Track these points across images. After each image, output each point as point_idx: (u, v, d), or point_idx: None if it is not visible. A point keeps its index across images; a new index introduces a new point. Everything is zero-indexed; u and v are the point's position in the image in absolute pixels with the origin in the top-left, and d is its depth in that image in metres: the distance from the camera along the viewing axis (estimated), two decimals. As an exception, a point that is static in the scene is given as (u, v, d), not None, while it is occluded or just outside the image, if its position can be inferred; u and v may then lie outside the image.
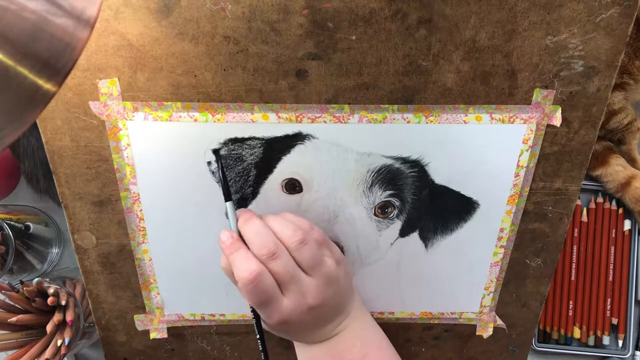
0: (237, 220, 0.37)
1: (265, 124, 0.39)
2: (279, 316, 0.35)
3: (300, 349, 0.41)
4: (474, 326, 0.50)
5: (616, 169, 0.53)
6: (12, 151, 0.52)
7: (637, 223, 0.55)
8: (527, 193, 0.42)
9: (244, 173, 0.41)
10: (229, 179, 0.41)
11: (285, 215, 0.37)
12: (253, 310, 0.37)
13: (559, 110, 0.39)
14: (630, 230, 0.55)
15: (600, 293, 0.56)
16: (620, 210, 0.55)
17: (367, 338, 0.41)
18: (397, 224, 0.44)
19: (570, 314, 0.57)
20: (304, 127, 0.39)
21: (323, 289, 0.36)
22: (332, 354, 0.39)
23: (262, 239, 0.34)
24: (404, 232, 0.44)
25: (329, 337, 0.39)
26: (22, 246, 0.53)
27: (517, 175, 0.42)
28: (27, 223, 0.53)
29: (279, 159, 0.40)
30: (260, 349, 0.38)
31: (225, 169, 0.40)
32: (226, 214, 0.38)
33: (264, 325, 0.38)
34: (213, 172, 0.41)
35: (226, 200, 0.38)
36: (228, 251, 0.35)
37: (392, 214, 0.43)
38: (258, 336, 0.38)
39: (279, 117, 0.39)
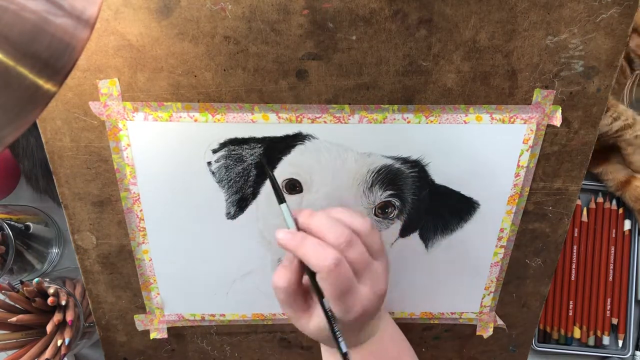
0: (294, 220, 0.35)
1: (266, 124, 0.39)
2: (360, 305, 0.33)
3: (336, 357, 0.38)
4: (474, 326, 0.50)
5: (616, 167, 0.53)
6: (12, 151, 0.52)
7: (637, 222, 0.55)
8: (527, 193, 0.42)
9: (244, 173, 0.41)
10: (229, 179, 0.41)
11: (339, 208, 0.36)
12: (328, 313, 0.34)
13: (559, 110, 0.39)
14: (630, 230, 0.55)
15: (600, 293, 0.56)
16: (621, 210, 0.55)
17: (397, 340, 0.40)
18: (397, 224, 0.44)
19: (570, 314, 0.57)
20: (304, 128, 0.39)
21: (387, 273, 0.36)
22: (373, 353, 0.38)
23: (337, 229, 0.33)
24: (404, 233, 0.44)
25: (369, 336, 0.38)
26: (22, 246, 0.53)
27: (517, 175, 0.42)
28: (27, 223, 0.53)
29: (279, 159, 0.40)
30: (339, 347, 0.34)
31: (273, 173, 0.38)
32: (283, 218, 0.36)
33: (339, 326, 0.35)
34: (213, 172, 0.41)
35: (280, 203, 0.35)
36: (294, 244, 0.33)
37: (392, 214, 0.43)
38: (338, 335, 0.34)
39: (279, 117, 0.39)
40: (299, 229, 0.34)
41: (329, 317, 0.34)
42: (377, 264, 0.35)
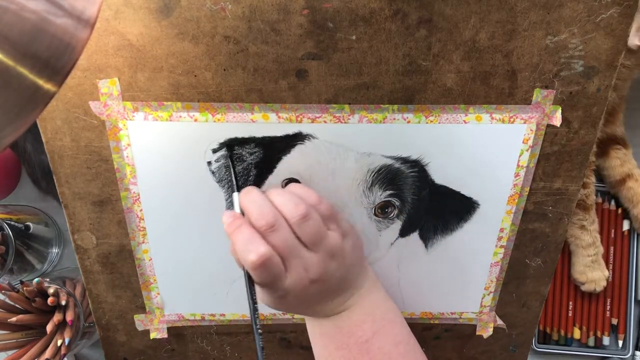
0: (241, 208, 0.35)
1: (266, 124, 0.39)
2: (280, 292, 0.34)
3: (311, 323, 0.41)
4: (474, 326, 0.50)
5: (613, 164, 0.53)
6: (9, 147, 0.52)
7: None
8: (527, 193, 0.42)
9: (244, 173, 0.41)
10: (229, 179, 0.41)
11: (291, 187, 0.36)
12: (254, 302, 0.35)
13: (559, 110, 0.39)
14: (629, 231, 0.55)
15: (600, 293, 0.56)
16: (619, 211, 0.55)
17: (379, 314, 0.39)
18: (397, 224, 0.44)
19: (570, 314, 0.57)
20: (304, 127, 0.39)
21: (326, 263, 0.34)
22: (342, 328, 0.38)
23: (261, 210, 0.33)
24: (404, 232, 0.44)
25: (338, 311, 0.38)
26: (22, 246, 0.53)
27: (517, 175, 0.42)
28: (27, 223, 0.54)
29: (279, 159, 0.40)
30: (260, 345, 0.35)
31: (234, 162, 0.39)
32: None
33: (259, 300, 0.36)
34: (213, 172, 0.41)
35: (232, 192, 0.36)
36: (229, 229, 0.33)
37: (392, 214, 0.43)
38: (257, 328, 0.35)
39: (279, 117, 0.39)
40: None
41: (248, 294, 0.35)
42: (310, 254, 0.34)
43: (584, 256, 0.53)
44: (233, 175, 0.38)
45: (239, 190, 0.36)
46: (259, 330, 0.35)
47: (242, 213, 0.35)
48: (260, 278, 0.33)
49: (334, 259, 0.35)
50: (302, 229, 0.33)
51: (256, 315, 0.35)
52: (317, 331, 0.40)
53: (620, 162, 0.53)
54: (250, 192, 0.35)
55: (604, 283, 0.54)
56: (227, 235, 0.34)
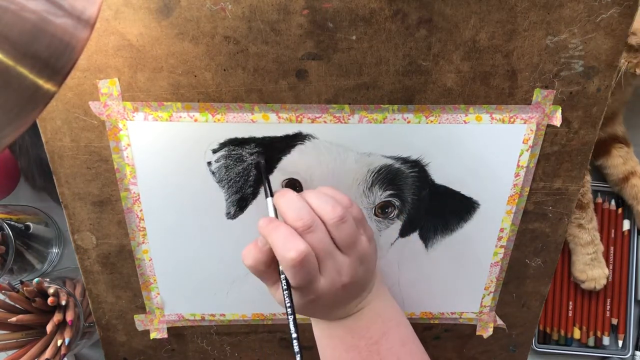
0: (275, 211, 0.35)
1: (266, 124, 0.39)
2: (313, 295, 0.33)
3: (319, 326, 0.40)
4: (474, 326, 0.50)
5: (616, 162, 0.53)
6: (9, 148, 0.52)
7: (635, 220, 0.55)
8: (527, 193, 0.42)
9: (244, 173, 0.41)
10: (229, 179, 0.41)
11: (323, 189, 0.35)
12: (290, 306, 0.33)
13: (559, 110, 0.39)
14: (629, 231, 0.55)
15: (600, 293, 0.56)
16: (620, 210, 0.55)
17: (387, 316, 0.39)
18: (397, 224, 0.44)
19: (570, 314, 0.57)
20: (304, 127, 0.39)
21: (356, 268, 0.34)
22: (352, 330, 0.38)
23: (298, 211, 0.32)
24: (404, 232, 0.44)
25: (350, 313, 0.38)
26: (22, 246, 0.53)
27: (517, 175, 0.42)
28: (27, 223, 0.54)
29: (279, 159, 0.40)
30: (297, 350, 0.33)
31: (266, 170, 0.39)
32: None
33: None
34: (213, 172, 0.41)
35: (267, 197, 0.36)
36: (266, 230, 0.33)
37: (392, 214, 0.43)
38: (295, 335, 0.33)
39: (279, 117, 0.39)
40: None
41: (286, 306, 0.33)
42: (344, 257, 0.34)
43: (584, 254, 0.53)
44: (266, 181, 0.37)
45: (272, 195, 0.36)
46: (294, 335, 0.33)
47: (277, 217, 0.35)
48: (297, 277, 0.32)
49: (363, 264, 0.35)
50: (339, 231, 0.33)
51: (294, 322, 0.34)
52: (325, 334, 0.39)
53: (622, 160, 0.53)
54: (285, 193, 0.34)
55: (604, 281, 0.54)
56: (264, 237, 0.33)
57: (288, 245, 0.31)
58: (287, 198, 0.34)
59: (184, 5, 0.35)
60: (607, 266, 0.56)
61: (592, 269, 0.53)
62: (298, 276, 0.32)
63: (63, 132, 0.39)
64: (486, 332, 0.50)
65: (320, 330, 0.40)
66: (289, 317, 0.33)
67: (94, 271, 0.45)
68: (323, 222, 0.33)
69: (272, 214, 0.35)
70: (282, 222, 0.33)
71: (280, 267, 0.33)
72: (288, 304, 0.33)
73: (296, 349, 0.32)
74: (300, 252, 0.31)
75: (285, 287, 0.33)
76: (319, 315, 0.39)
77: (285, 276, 0.33)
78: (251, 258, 0.34)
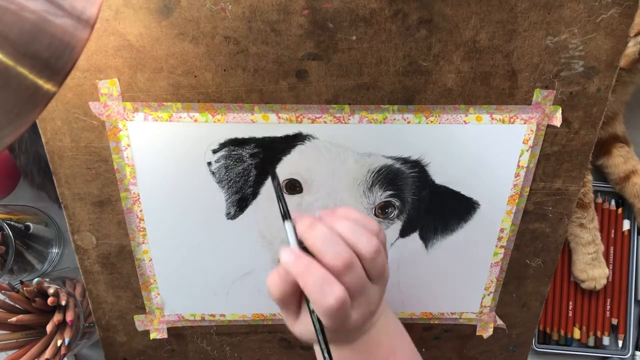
0: (296, 237, 0.31)
1: (266, 124, 0.39)
2: (347, 327, 0.31)
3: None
4: (474, 326, 0.50)
5: (617, 162, 0.53)
6: (7, 147, 0.52)
7: (635, 219, 0.55)
8: (527, 193, 0.42)
9: (244, 173, 0.41)
10: (229, 179, 0.41)
11: (351, 214, 0.32)
12: (321, 332, 0.31)
13: (559, 111, 0.39)
14: (629, 231, 0.55)
15: (600, 293, 0.56)
16: (620, 210, 0.55)
17: (392, 333, 0.37)
18: (398, 224, 0.44)
19: (570, 314, 0.57)
20: (304, 128, 0.39)
21: (382, 294, 0.33)
22: (361, 352, 0.35)
23: (335, 249, 0.29)
24: (404, 233, 0.44)
25: (362, 334, 0.36)
26: (22, 246, 0.53)
27: (517, 175, 0.42)
28: (27, 223, 0.53)
29: (279, 160, 0.40)
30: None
31: (282, 189, 0.36)
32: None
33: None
34: (213, 173, 0.41)
35: (284, 220, 0.32)
36: (296, 270, 0.29)
37: (392, 215, 0.43)
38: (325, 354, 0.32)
39: (279, 117, 0.39)
40: (300, 243, 0.31)
41: (321, 340, 0.31)
42: (375, 288, 0.32)
43: (584, 254, 0.53)
44: (282, 203, 0.33)
45: (289, 217, 0.32)
46: None
47: (299, 242, 0.31)
48: (333, 322, 0.29)
49: (385, 287, 0.33)
50: (374, 264, 0.31)
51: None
52: (335, 355, 0.36)
53: (623, 159, 0.53)
54: (315, 227, 0.30)
55: (604, 281, 0.54)
56: (295, 275, 0.30)
57: (325, 290, 0.28)
58: (319, 232, 0.30)
59: (184, 6, 0.35)
60: (607, 266, 0.56)
61: (592, 268, 0.53)
62: (334, 322, 0.29)
63: (63, 132, 0.39)
64: (486, 332, 0.50)
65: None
66: (325, 354, 0.31)
67: (94, 271, 0.45)
68: (359, 256, 0.30)
69: (292, 241, 0.32)
70: (314, 262, 0.30)
71: (312, 306, 0.31)
72: (323, 347, 0.31)
73: None
74: (339, 299, 0.28)
75: (319, 328, 0.31)
76: (334, 341, 0.36)
77: (318, 317, 0.31)
78: (278, 291, 0.31)
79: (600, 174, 0.56)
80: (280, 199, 0.33)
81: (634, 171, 0.53)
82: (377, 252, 0.30)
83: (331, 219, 0.31)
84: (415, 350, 0.39)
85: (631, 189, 0.53)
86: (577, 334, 0.57)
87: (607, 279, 0.55)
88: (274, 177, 0.36)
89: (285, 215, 0.32)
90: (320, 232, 0.30)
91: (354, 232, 0.30)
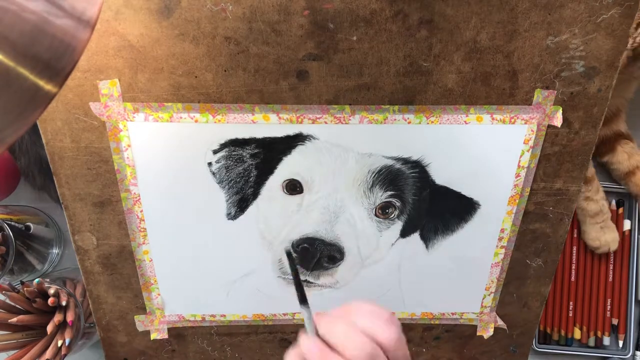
0: (314, 325, 0.32)
1: (266, 124, 0.39)
2: None
3: None
4: (475, 326, 0.50)
5: (621, 158, 0.53)
6: (8, 148, 0.52)
7: (637, 220, 0.55)
8: (527, 193, 0.42)
9: (244, 174, 0.41)
10: (230, 180, 0.41)
11: (364, 309, 0.33)
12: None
13: (560, 111, 0.39)
14: (630, 231, 0.55)
15: (600, 293, 0.56)
16: (620, 210, 0.55)
17: None
18: (398, 225, 0.44)
19: (571, 314, 0.57)
20: (304, 128, 0.39)
21: None
22: None
23: (358, 342, 0.30)
24: (404, 233, 0.44)
25: None
26: (23, 246, 0.53)
27: (517, 175, 0.42)
28: (27, 223, 0.53)
29: (279, 160, 0.40)
30: None
31: (298, 271, 0.36)
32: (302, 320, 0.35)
33: None
34: (213, 173, 0.41)
35: (301, 304, 0.33)
36: None
37: (392, 215, 0.43)
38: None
39: (279, 117, 0.39)
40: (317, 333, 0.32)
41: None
42: None
43: (594, 224, 0.54)
44: (297, 286, 0.34)
45: (306, 303, 0.34)
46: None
47: (316, 331, 0.32)
48: None
49: None
50: (396, 354, 0.31)
51: None
52: None
53: (627, 155, 0.53)
54: (334, 323, 0.31)
55: (617, 243, 0.54)
56: None
57: None
58: (339, 328, 0.31)
59: (184, 6, 0.35)
60: (607, 266, 0.56)
61: (604, 234, 0.54)
62: None
63: (63, 133, 0.39)
64: (487, 332, 0.50)
65: None
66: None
67: (95, 272, 0.45)
68: (381, 346, 0.31)
69: (309, 327, 0.33)
70: (335, 355, 0.30)
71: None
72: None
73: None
74: None
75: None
76: None
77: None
78: None
79: (604, 173, 0.56)
80: (298, 285, 0.34)
81: (639, 166, 0.53)
82: (398, 341, 0.31)
83: (349, 310, 0.32)
84: None
85: (637, 181, 0.53)
86: (577, 334, 0.57)
87: (608, 277, 0.55)
88: (291, 259, 0.36)
89: (302, 299, 0.34)
90: (341, 329, 0.31)
91: (372, 323, 0.31)
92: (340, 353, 0.31)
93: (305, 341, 0.32)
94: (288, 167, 0.41)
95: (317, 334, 0.32)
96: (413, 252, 0.45)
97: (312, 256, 0.44)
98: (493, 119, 0.39)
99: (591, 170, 0.52)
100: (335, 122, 0.39)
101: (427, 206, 0.43)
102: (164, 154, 0.40)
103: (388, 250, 0.45)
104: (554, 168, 0.42)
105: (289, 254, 0.36)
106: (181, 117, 0.38)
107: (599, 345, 0.57)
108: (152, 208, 0.42)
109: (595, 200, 0.53)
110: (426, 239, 0.44)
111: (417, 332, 0.50)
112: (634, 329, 0.57)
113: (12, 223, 0.52)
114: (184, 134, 0.39)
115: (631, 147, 0.53)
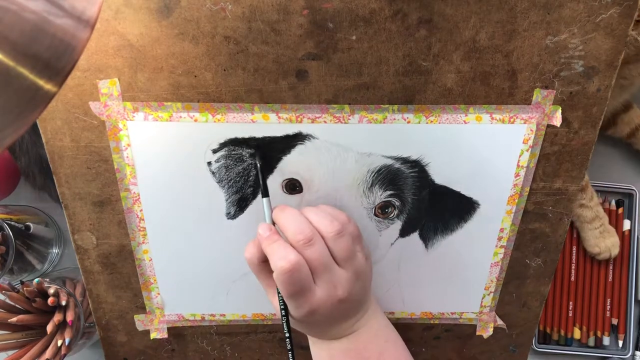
0: (270, 213, 0.37)
1: (266, 124, 0.39)
2: (309, 307, 0.35)
3: (317, 346, 0.41)
4: (474, 326, 0.50)
5: (620, 129, 0.54)
6: (8, 148, 0.52)
7: (636, 220, 0.55)
8: (527, 193, 0.42)
9: (244, 173, 0.41)
10: (229, 179, 0.41)
11: (322, 207, 0.37)
12: (284, 308, 0.37)
13: (559, 110, 0.39)
14: (629, 230, 0.55)
15: (600, 293, 0.56)
16: (620, 210, 0.55)
17: (383, 336, 0.41)
18: (398, 224, 0.44)
19: (570, 314, 0.57)
20: (304, 127, 0.39)
21: (353, 283, 0.36)
22: (350, 350, 0.39)
23: (298, 225, 0.34)
24: (404, 232, 0.44)
25: (347, 333, 0.39)
26: (23, 246, 0.53)
27: (517, 175, 0.42)
28: (27, 223, 0.54)
29: (279, 159, 0.40)
30: (289, 347, 0.38)
31: (263, 167, 0.40)
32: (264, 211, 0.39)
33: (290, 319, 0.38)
34: (213, 173, 0.41)
35: (263, 197, 0.38)
36: (266, 242, 0.35)
37: (392, 214, 0.43)
38: (287, 335, 0.37)
39: (279, 117, 0.39)
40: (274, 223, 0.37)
41: (280, 308, 0.37)
42: (341, 271, 0.35)
43: (592, 230, 0.54)
44: (262, 180, 0.39)
45: (267, 195, 0.38)
46: (287, 335, 0.37)
47: (273, 223, 0.37)
48: (286, 286, 0.34)
49: (359, 280, 0.37)
50: (337, 244, 0.35)
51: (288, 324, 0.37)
52: (324, 354, 0.40)
53: (627, 121, 0.53)
54: (285, 209, 0.36)
55: (617, 247, 0.54)
56: (262, 247, 0.36)
57: (280, 255, 0.33)
58: (287, 214, 0.36)
59: (184, 6, 0.35)
60: (607, 266, 0.56)
61: (603, 240, 0.54)
62: (287, 285, 0.34)
63: (63, 132, 0.39)
64: (486, 332, 0.50)
65: (319, 351, 0.41)
66: (283, 318, 0.36)
67: (94, 271, 0.45)
68: (322, 236, 0.35)
69: (267, 214, 0.38)
70: (279, 236, 0.35)
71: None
72: (282, 307, 0.37)
73: (289, 347, 0.37)
74: (290, 262, 0.33)
75: (280, 296, 0.37)
76: (315, 332, 0.40)
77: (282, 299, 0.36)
78: (249, 254, 0.37)
79: (604, 173, 0.56)
80: (261, 179, 0.38)
81: (638, 127, 0.53)
82: (337, 233, 0.35)
83: (304, 208, 0.37)
84: (407, 355, 0.40)
85: None
86: (577, 334, 0.57)
87: (607, 277, 0.55)
88: (255, 155, 0.40)
89: (265, 193, 0.38)
90: (288, 213, 0.36)
91: (317, 215, 0.36)
92: (283, 233, 0.35)
93: (262, 226, 0.36)
94: (288, 167, 0.41)
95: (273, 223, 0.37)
96: (412, 252, 0.45)
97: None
98: (492, 118, 0.39)
99: (585, 179, 0.52)
100: (334, 122, 0.39)
101: (426, 206, 0.43)
102: (164, 154, 0.40)
103: (387, 249, 0.45)
104: (554, 168, 0.42)
105: (254, 154, 0.40)
106: (181, 117, 0.38)
107: (598, 345, 0.57)
108: (152, 207, 0.42)
109: (589, 207, 0.53)
110: (425, 239, 0.45)
111: (416, 331, 0.50)
112: (634, 329, 0.57)
113: (12, 223, 0.52)
114: (183, 133, 0.39)
115: (630, 117, 0.54)
